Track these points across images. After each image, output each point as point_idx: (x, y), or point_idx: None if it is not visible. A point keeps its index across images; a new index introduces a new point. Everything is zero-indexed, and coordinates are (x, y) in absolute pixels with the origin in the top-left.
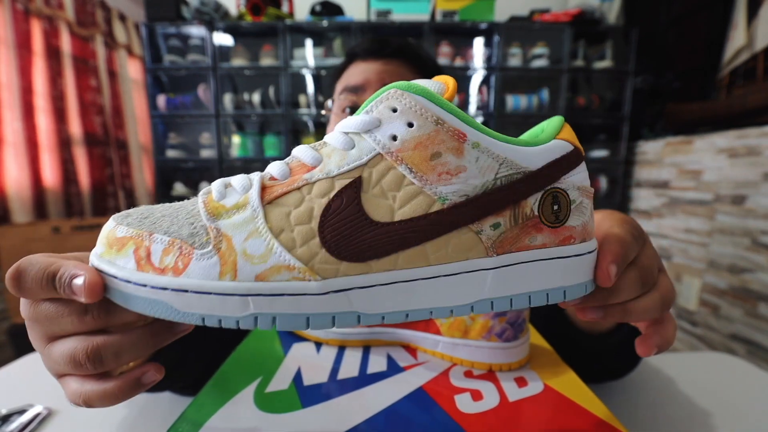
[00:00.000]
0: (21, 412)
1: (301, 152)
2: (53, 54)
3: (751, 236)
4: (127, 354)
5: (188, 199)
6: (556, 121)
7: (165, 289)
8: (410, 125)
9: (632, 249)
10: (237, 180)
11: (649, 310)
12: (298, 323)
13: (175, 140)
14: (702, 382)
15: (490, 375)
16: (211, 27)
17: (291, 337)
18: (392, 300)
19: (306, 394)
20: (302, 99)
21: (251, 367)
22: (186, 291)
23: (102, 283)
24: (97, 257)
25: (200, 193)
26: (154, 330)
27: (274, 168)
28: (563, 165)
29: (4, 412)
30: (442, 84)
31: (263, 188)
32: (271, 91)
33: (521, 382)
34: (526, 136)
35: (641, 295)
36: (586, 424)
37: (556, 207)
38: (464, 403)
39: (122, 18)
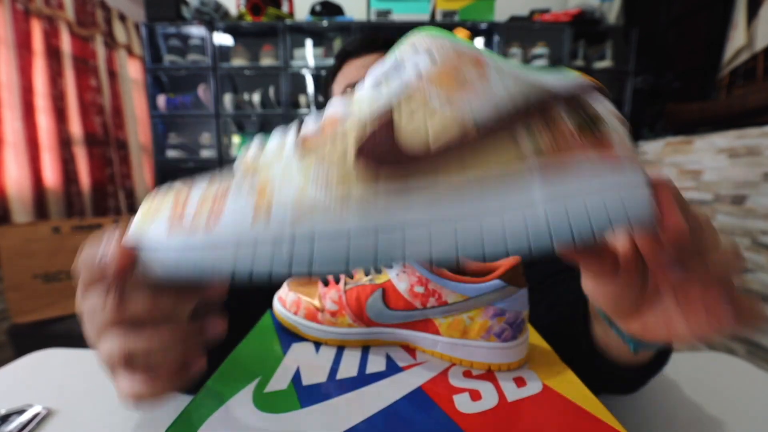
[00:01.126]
0: (20, 412)
1: (333, 107)
2: (53, 54)
3: (751, 236)
4: (157, 354)
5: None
6: (571, 71)
7: (196, 240)
8: (432, 58)
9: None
10: (272, 138)
11: (716, 242)
12: (337, 258)
13: (175, 140)
14: (702, 381)
15: (488, 375)
16: (211, 27)
17: (290, 337)
18: (436, 214)
19: (305, 394)
20: (302, 99)
21: (250, 367)
22: (218, 240)
23: (133, 255)
24: (133, 229)
25: (237, 157)
26: (189, 331)
27: (309, 124)
28: (588, 90)
29: (3, 411)
30: (456, 36)
31: (300, 141)
32: (271, 91)
33: (520, 382)
34: None
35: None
36: (584, 424)
37: (588, 118)
38: (463, 403)
39: (122, 18)
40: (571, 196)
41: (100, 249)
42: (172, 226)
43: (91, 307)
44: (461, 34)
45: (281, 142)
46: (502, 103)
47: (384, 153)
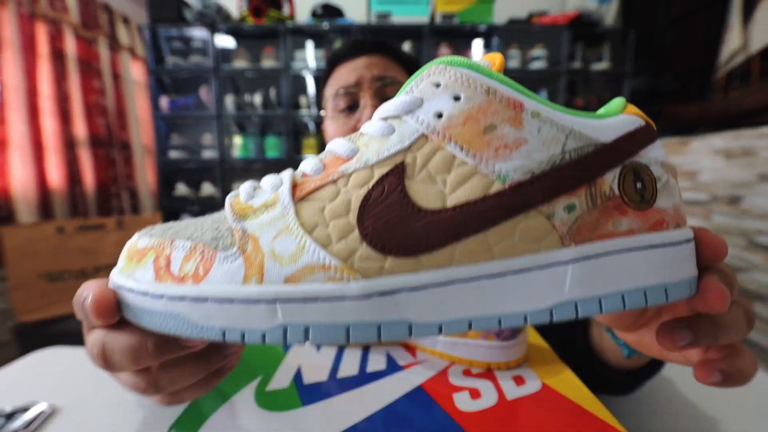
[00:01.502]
0: (25, 409)
1: (336, 145)
2: (58, 56)
3: (746, 236)
4: (181, 380)
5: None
6: (618, 100)
7: (183, 299)
8: (457, 98)
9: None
10: (266, 180)
11: (737, 323)
12: (337, 334)
13: (177, 141)
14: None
15: (488, 373)
16: (213, 29)
17: None
18: (450, 305)
19: (306, 393)
20: (303, 100)
21: (252, 365)
22: (206, 300)
23: (112, 300)
24: (117, 273)
25: (228, 197)
26: (205, 357)
27: (307, 164)
28: (639, 138)
29: (8, 409)
30: (488, 61)
31: (294, 185)
32: (272, 92)
33: (519, 380)
34: None
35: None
36: (583, 422)
37: (639, 185)
38: (463, 402)
39: (125, 20)
40: (608, 287)
41: (83, 291)
42: (158, 272)
43: (92, 346)
44: (494, 60)
45: (276, 182)
46: (537, 165)
47: (392, 214)
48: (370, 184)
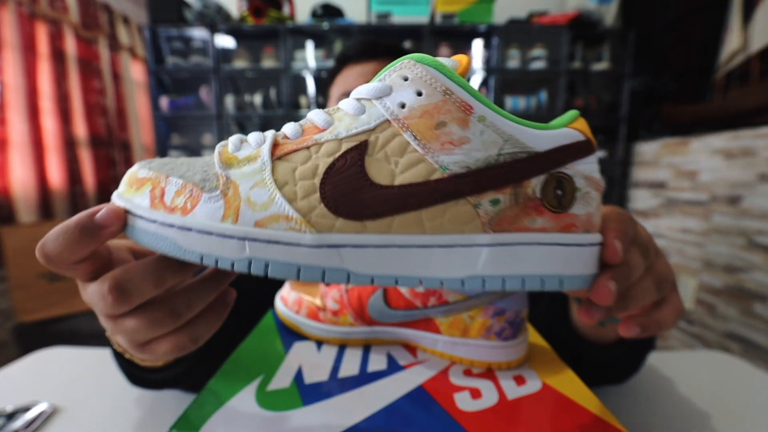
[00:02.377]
0: (26, 409)
1: (315, 115)
2: (58, 56)
3: (746, 236)
4: (196, 302)
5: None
6: (570, 113)
7: (172, 226)
8: (419, 94)
9: (630, 225)
10: (252, 136)
11: (646, 291)
12: (289, 272)
13: (177, 141)
14: (698, 380)
15: (489, 373)
16: (213, 29)
17: (292, 336)
18: (383, 263)
19: (307, 393)
20: (303, 100)
21: (253, 365)
22: (190, 229)
23: (123, 211)
24: (118, 196)
25: (217, 145)
26: (211, 276)
27: (288, 128)
28: (572, 151)
29: (9, 409)
30: (455, 61)
31: (275, 144)
32: (273, 92)
33: (520, 380)
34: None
35: (640, 279)
36: (583, 421)
37: (559, 192)
38: (463, 401)
39: (125, 21)
40: (512, 270)
41: (84, 212)
42: (153, 201)
43: (93, 296)
44: (462, 61)
45: (260, 139)
46: (474, 162)
47: (349, 184)
48: (336, 155)
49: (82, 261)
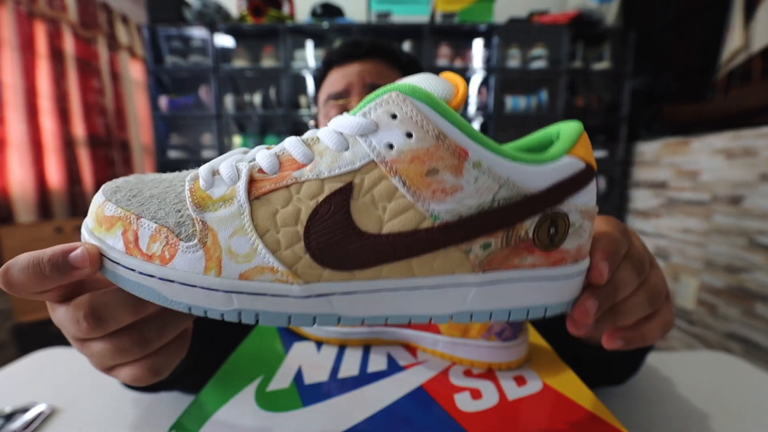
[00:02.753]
0: (24, 410)
1: (293, 146)
2: (57, 56)
3: (747, 236)
4: (170, 330)
5: (179, 171)
6: (572, 130)
7: (152, 276)
8: (409, 136)
9: (621, 244)
10: (224, 169)
11: (637, 306)
12: (281, 320)
13: (176, 141)
14: (699, 380)
15: (489, 374)
16: (213, 29)
17: (292, 337)
18: (373, 306)
19: (307, 393)
20: (303, 100)
21: (252, 366)
22: (172, 281)
23: (98, 253)
24: (88, 231)
25: (187, 177)
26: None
27: (264, 159)
28: (570, 187)
29: (7, 410)
30: (451, 87)
31: (251, 181)
32: (272, 92)
33: (520, 381)
34: (538, 135)
35: (632, 294)
36: (584, 422)
37: (552, 230)
38: (464, 402)
39: (124, 20)
40: (499, 304)
41: (58, 248)
42: (128, 246)
43: (64, 319)
44: (458, 86)
45: (233, 175)
46: (467, 210)
47: (335, 233)
48: (320, 199)
49: (48, 291)
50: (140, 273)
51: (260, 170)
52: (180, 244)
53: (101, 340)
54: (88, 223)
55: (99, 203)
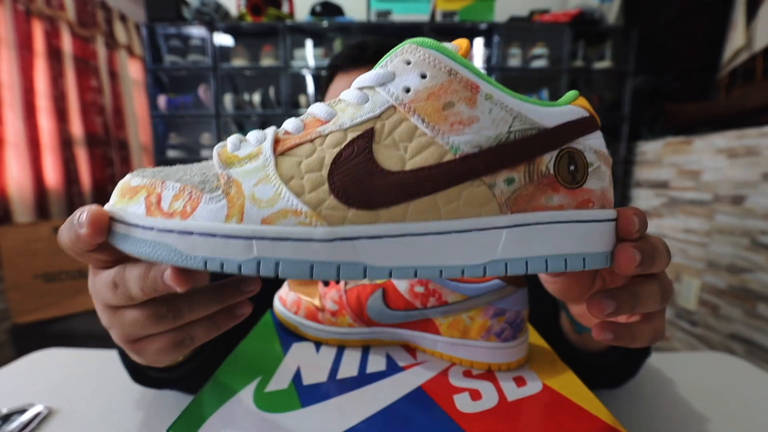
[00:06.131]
0: (21, 411)
1: (317, 108)
2: (54, 54)
3: (750, 236)
4: (199, 308)
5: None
6: (570, 93)
7: (171, 231)
8: (423, 76)
9: (645, 220)
10: (252, 134)
11: (653, 296)
12: (302, 270)
13: (175, 140)
14: (701, 381)
15: (489, 375)
16: (212, 27)
17: (290, 337)
18: (400, 254)
19: (305, 394)
20: (302, 99)
21: (251, 366)
22: (191, 233)
23: (106, 218)
24: (110, 207)
25: (216, 147)
26: (223, 289)
27: (289, 123)
28: (579, 127)
29: (4, 411)
30: (455, 45)
31: (276, 141)
32: (272, 91)
33: (520, 381)
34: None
35: (645, 282)
36: (585, 423)
37: (572, 167)
38: (463, 403)
39: (123, 18)
40: (534, 251)
41: (77, 211)
42: (149, 208)
43: (101, 285)
44: (462, 44)
45: (260, 137)
46: (485, 140)
47: (358, 172)
48: (343, 145)
49: (94, 251)
50: (158, 230)
51: (286, 132)
52: (203, 196)
53: (137, 308)
54: (111, 200)
55: (125, 180)
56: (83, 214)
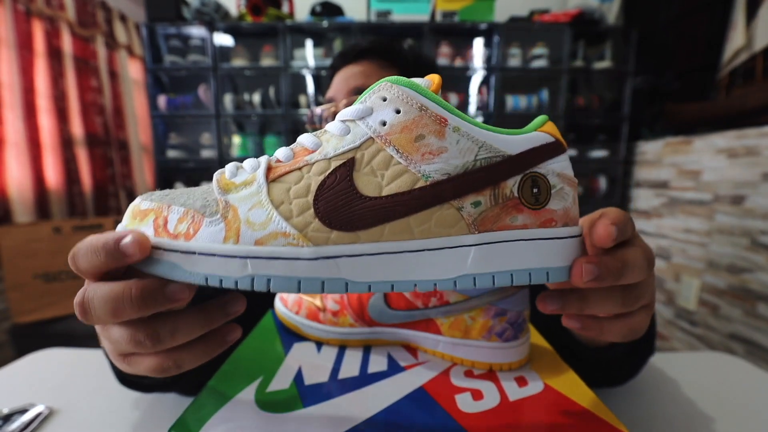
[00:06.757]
0: (22, 411)
1: (305, 139)
2: (54, 54)
3: (750, 236)
4: (182, 332)
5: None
6: (539, 119)
7: (176, 250)
8: (398, 111)
9: (629, 221)
10: (247, 162)
11: (607, 299)
12: (290, 285)
13: (175, 140)
14: (701, 381)
15: (490, 374)
16: (212, 27)
17: (292, 337)
18: (378, 270)
19: (307, 394)
20: (302, 99)
21: (252, 366)
22: (193, 253)
23: (147, 241)
24: (123, 228)
25: (215, 173)
26: (207, 310)
27: (281, 152)
28: (542, 153)
29: (5, 411)
30: (428, 80)
31: (269, 168)
32: (272, 91)
33: (521, 381)
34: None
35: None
36: (586, 423)
37: (535, 190)
38: (465, 403)
39: (123, 18)
40: (500, 266)
41: (111, 235)
42: (156, 230)
43: (103, 298)
44: (434, 80)
45: (254, 165)
46: (453, 168)
47: (339, 198)
48: (327, 173)
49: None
50: (165, 249)
51: (277, 160)
52: (204, 219)
53: (119, 326)
54: (123, 222)
55: (136, 203)
56: (127, 238)
